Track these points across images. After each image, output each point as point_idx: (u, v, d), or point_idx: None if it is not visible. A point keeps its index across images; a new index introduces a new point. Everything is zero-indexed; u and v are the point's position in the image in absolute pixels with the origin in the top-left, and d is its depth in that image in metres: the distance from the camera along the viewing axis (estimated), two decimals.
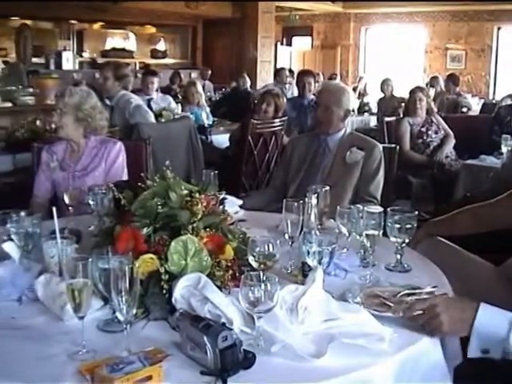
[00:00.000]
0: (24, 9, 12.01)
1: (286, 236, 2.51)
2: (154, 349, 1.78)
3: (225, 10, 15.00)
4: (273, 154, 6.57)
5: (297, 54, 20.19)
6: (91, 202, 2.78)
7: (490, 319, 1.94)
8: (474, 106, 11.32)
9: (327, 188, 2.91)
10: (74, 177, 3.79)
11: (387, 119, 7.57)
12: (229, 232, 2.37)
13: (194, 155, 6.50)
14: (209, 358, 1.70)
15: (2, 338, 1.92)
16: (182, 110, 8.25)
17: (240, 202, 3.41)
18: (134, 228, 2.19)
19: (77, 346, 1.83)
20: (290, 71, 13.66)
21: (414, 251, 2.76)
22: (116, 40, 16.22)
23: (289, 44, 20.78)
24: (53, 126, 4.38)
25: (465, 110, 10.55)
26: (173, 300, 2.02)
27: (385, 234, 2.54)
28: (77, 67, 14.21)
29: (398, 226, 2.52)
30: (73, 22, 14.85)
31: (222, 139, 7.57)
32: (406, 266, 2.57)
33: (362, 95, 12.64)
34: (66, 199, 3.11)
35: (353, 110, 4.28)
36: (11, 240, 2.44)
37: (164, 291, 2.05)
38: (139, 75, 10.10)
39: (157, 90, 8.71)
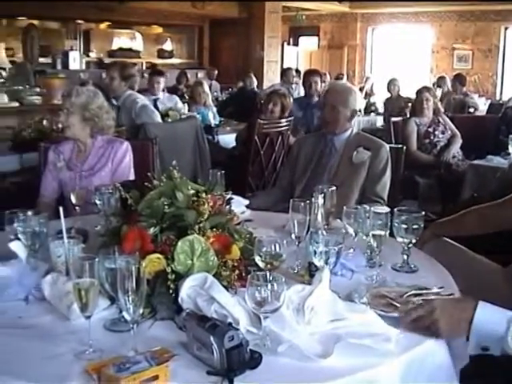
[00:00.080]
0: (31, 9, 12.04)
1: (293, 236, 2.51)
2: (161, 348, 1.78)
3: (231, 10, 15.01)
4: (279, 154, 6.56)
5: (303, 54, 20.18)
6: (98, 202, 2.78)
7: (488, 317, 1.93)
8: (481, 106, 11.31)
9: (334, 188, 2.91)
10: (80, 176, 3.80)
11: (394, 119, 7.56)
12: (235, 232, 2.37)
13: (200, 155, 6.50)
14: (215, 358, 1.70)
15: (9, 337, 1.92)
16: (189, 110, 8.25)
17: (246, 201, 3.41)
18: (141, 228, 2.19)
19: (83, 345, 1.83)
20: (297, 71, 13.66)
21: (420, 251, 2.75)
22: (123, 40, 16.23)
23: (295, 44, 20.77)
24: (59, 125, 4.38)
25: (472, 110, 10.54)
26: (179, 300, 2.02)
27: (391, 235, 2.54)
28: (83, 67, 14.22)
29: (404, 226, 2.51)
30: (79, 21, 14.87)
31: (228, 139, 7.57)
32: (412, 266, 2.56)
33: (368, 95, 12.63)
34: (73, 199, 3.11)
35: (359, 110, 4.28)
36: (18, 239, 2.45)
37: (170, 291, 2.05)
38: (146, 75, 10.11)
39: (163, 90, 8.71)
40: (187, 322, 1.86)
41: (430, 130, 6.96)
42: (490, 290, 2.48)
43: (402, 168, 4.49)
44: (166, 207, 2.21)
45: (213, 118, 8.41)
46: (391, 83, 11.40)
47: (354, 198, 3.85)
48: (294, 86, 12.32)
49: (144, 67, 15.33)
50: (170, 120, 7.20)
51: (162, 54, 16.78)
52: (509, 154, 6.24)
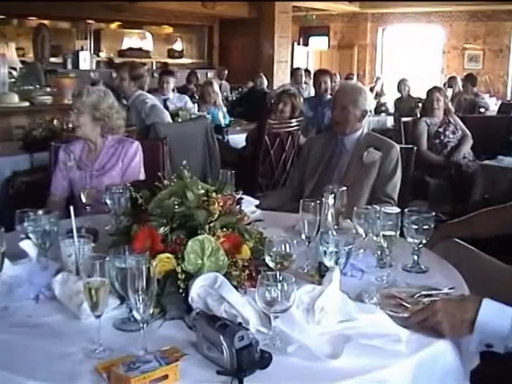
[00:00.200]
0: (41, 9, 12.07)
1: (303, 236, 2.51)
2: (171, 348, 1.78)
3: (241, 10, 15.00)
4: (289, 154, 6.56)
5: (313, 54, 20.14)
6: (108, 202, 2.79)
7: (493, 315, 1.92)
8: (492, 106, 11.28)
9: (344, 188, 2.90)
10: (91, 176, 3.81)
11: (404, 119, 7.55)
12: (245, 232, 2.36)
13: (210, 155, 6.51)
14: (225, 358, 1.69)
15: (20, 336, 1.93)
16: (199, 110, 8.25)
17: (257, 201, 3.41)
18: (151, 227, 2.19)
19: (93, 344, 1.83)
20: (307, 71, 13.65)
21: (431, 252, 2.74)
22: (133, 40, 16.23)
23: (305, 44, 20.76)
24: (70, 125, 4.40)
25: (482, 110, 10.51)
26: (189, 299, 2.02)
27: (402, 235, 2.54)
28: (94, 67, 14.25)
29: (415, 226, 2.51)
30: (90, 21, 14.88)
31: (238, 139, 7.57)
32: (423, 267, 2.55)
33: (378, 95, 12.61)
34: (83, 198, 3.12)
35: (370, 111, 4.27)
36: (29, 238, 2.45)
37: (180, 290, 2.06)
38: (156, 75, 10.12)
39: (173, 90, 8.72)
40: (197, 322, 1.86)
41: (441, 130, 6.94)
42: (501, 290, 2.46)
43: (413, 168, 4.48)
44: (177, 207, 2.22)
45: (223, 117, 8.42)
46: (401, 83, 11.38)
47: (365, 199, 3.84)
48: (304, 85, 12.32)
49: (154, 67, 15.35)
50: (179, 120, 7.20)
51: (172, 53, 16.78)
52: None
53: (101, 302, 1.85)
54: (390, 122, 10.22)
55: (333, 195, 2.76)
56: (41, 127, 5.85)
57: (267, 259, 2.20)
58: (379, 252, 2.53)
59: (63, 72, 11.50)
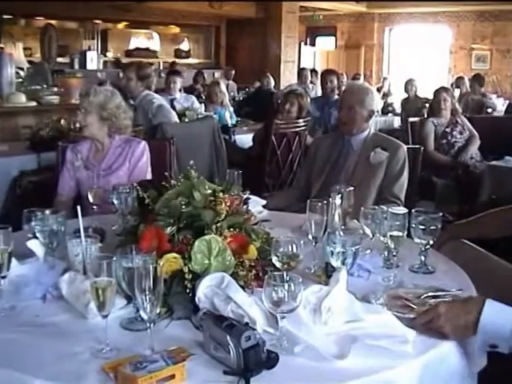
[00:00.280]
0: (49, 9, 12.09)
1: (310, 236, 2.51)
2: (178, 348, 1.79)
3: (248, 10, 15.01)
4: (296, 154, 6.56)
5: (320, 54, 20.13)
6: (115, 201, 2.79)
7: (496, 316, 1.92)
8: (499, 106, 11.24)
9: (351, 188, 2.90)
10: (98, 176, 3.81)
11: (411, 120, 7.54)
12: (252, 232, 2.36)
13: (217, 155, 6.51)
14: (232, 358, 1.69)
15: (27, 335, 1.93)
16: (206, 110, 8.25)
17: (263, 201, 3.41)
18: (158, 227, 2.20)
19: (100, 344, 1.84)
20: (314, 71, 13.64)
21: (438, 253, 2.74)
22: (140, 40, 16.25)
23: (312, 44, 20.75)
24: (77, 125, 4.41)
25: (490, 110, 10.48)
26: (196, 299, 2.02)
27: (409, 236, 2.53)
28: (101, 67, 14.26)
29: (422, 227, 2.50)
30: (97, 21, 14.90)
31: (245, 139, 7.57)
32: (430, 267, 2.55)
33: (385, 95, 12.59)
34: (91, 198, 3.13)
35: (377, 111, 4.26)
36: (36, 238, 2.46)
37: (187, 290, 2.06)
38: (163, 75, 10.12)
39: (180, 90, 8.72)
40: (204, 322, 1.86)
41: (448, 130, 6.93)
42: (509, 291, 2.46)
43: (420, 169, 4.48)
44: (184, 207, 2.22)
45: (229, 117, 8.42)
46: (409, 84, 11.37)
47: (372, 199, 3.84)
48: (310, 86, 12.31)
49: (161, 67, 15.36)
50: (186, 120, 7.21)
51: (179, 53, 16.79)
52: None
53: (108, 301, 1.85)
54: (396, 122, 10.20)
55: (340, 195, 2.76)
56: (48, 127, 5.87)
57: (274, 259, 2.20)
58: (386, 252, 2.53)
59: (70, 72, 11.53)
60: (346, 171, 4.02)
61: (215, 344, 1.76)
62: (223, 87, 8.89)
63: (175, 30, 17.05)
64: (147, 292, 1.77)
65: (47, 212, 2.50)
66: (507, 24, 17.27)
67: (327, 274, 2.33)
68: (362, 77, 15.38)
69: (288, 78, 14.32)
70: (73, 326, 2.02)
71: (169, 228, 2.20)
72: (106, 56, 15.12)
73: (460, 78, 12.20)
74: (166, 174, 2.44)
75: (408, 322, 2.00)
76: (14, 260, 2.22)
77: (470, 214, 3.15)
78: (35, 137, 5.79)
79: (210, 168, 6.33)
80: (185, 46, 17.17)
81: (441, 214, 2.55)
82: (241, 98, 11.83)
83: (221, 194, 2.28)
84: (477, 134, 6.96)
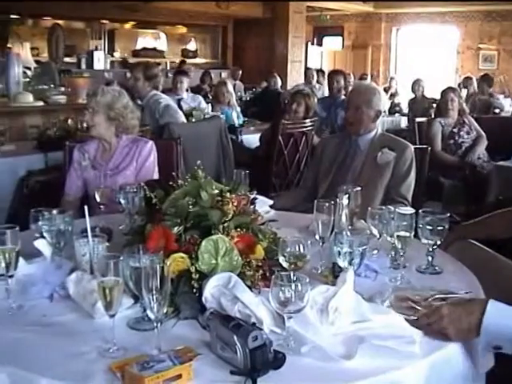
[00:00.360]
0: (56, 9, 12.13)
1: (317, 236, 2.51)
2: (184, 347, 1.79)
3: (255, 10, 15.01)
4: (303, 154, 6.56)
5: (327, 54, 20.13)
6: (122, 201, 2.80)
7: (499, 316, 1.91)
8: (507, 107, 11.20)
9: (358, 188, 2.90)
10: (105, 175, 3.82)
11: (418, 120, 7.53)
12: (259, 232, 2.36)
13: (224, 155, 6.50)
14: (239, 358, 1.69)
15: (34, 334, 1.94)
16: (213, 110, 8.25)
17: (270, 201, 3.41)
18: (165, 227, 2.20)
19: (107, 343, 1.84)
20: (321, 71, 13.64)
21: (445, 253, 2.73)
22: (147, 40, 16.28)
23: (319, 44, 20.74)
24: (85, 124, 4.41)
25: (497, 111, 10.44)
26: (203, 299, 2.02)
27: (416, 236, 2.53)
28: (108, 67, 14.29)
29: (429, 227, 2.50)
30: (104, 21, 14.93)
31: (252, 139, 7.56)
32: (437, 268, 2.54)
33: (393, 96, 12.58)
34: (98, 198, 3.13)
35: (384, 111, 4.25)
36: (43, 237, 2.46)
37: (194, 290, 2.06)
38: (170, 75, 10.13)
39: (187, 90, 8.72)
40: (211, 322, 1.86)
41: (455, 130, 6.91)
42: None
43: (427, 169, 4.47)
44: (191, 206, 2.22)
45: (236, 117, 8.41)
46: (416, 84, 11.34)
47: (379, 199, 3.83)
48: (317, 85, 12.31)
49: (168, 67, 15.37)
50: (193, 120, 7.21)
51: (186, 53, 16.81)
52: None
53: (115, 301, 1.85)
54: (404, 122, 10.19)
55: (347, 196, 2.75)
56: (55, 127, 5.88)
57: (281, 259, 2.20)
58: (393, 253, 2.53)
59: (77, 72, 11.57)
60: (353, 171, 4.01)
61: (222, 344, 1.76)
62: (230, 87, 8.89)
63: (182, 30, 17.07)
64: (154, 292, 1.77)
65: (54, 212, 2.51)
66: None
67: (334, 274, 2.33)
68: (369, 77, 15.36)
69: (295, 78, 14.33)
70: (80, 325, 2.02)
71: (176, 228, 2.20)
72: (113, 56, 15.15)
73: (468, 78, 12.17)
74: (173, 173, 2.44)
75: (412, 323, 1.99)
76: (21, 259, 2.22)
77: (477, 214, 3.14)
78: (42, 136, 5.79)
79: (216, 168, 6.33)
80: (192, 45, 17.19)
81: (448, 214, 2.55)
82: (248, 98, 11.83)
83: (228, 194, 2.28)
84: (484, 134, 6.94)
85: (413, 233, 2.48)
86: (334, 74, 8.53)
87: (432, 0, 16.58)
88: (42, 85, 7.74)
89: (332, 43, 20.99)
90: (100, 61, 13.94)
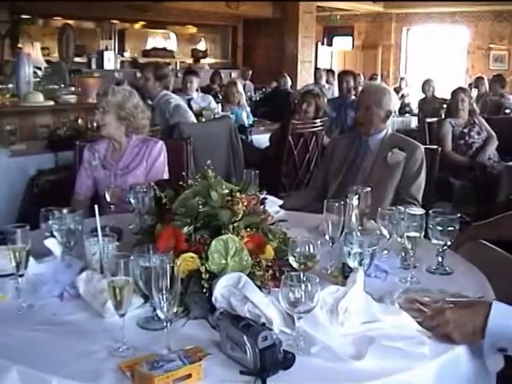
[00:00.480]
0: (66, 9, 12.18)
1: (327, 237, 2.50)
2: (194, 347, 1.79)
3: (265, 10, 15.01)
4: (313, 155, 6.56)
5: (337, 54, 20.12)
6: (132, 201, 2.80)
7: (503, 319, 1.90)
8: None
9: (368, 189, 2.89)
10: (115, 175, 3.82)
11: (429, 120, 7.51)
12: (269, 232, 2.36)
13: (234, 155, 6.50)
14: (248, 358, 1.69)
15: (44, 333, 1.94)
16: (223, 110, 8.26)
17: (280, 202, 3.41)
18: (175, 227, 2.20)
19: (117, 342, 1.84)
20: (331, 71, 13.63)
21: (455, 254, 2.73)
22: (157, 40, 16.30)
23: (329, 44, 20.74)
24: (95, 124, 4.42)
25: (508, 111, 10.40)
26: (213, 299, 2.02)
27: (426, 236, 2.52)
28: (118, 67, 14.33)
29: (439, 228, 2.49)
30: (114, 21, 14.97)
31: (262, 139, 7.56)
32: (447, 268, 2.54)
33: (403, 96, 12.55)
34: (108, 197, 3.13)
35: (394, 111, 4.25)
36: (53, 237, 2.47)
37: (204, 290, 2.06)
38: (180, 75, 10.14)
39: (197, 90, 8.73)
40: (220, 322, 1.86)
41: (466, 131, 6.89)
42: None
43: (437, 169, 4.45)
44: (201, 206, 2.22)
45: (246, 117, 8.42)
46: (426, 84, 11.30)
47: (389, 200, 3.82)
48: (327, 86, 12.30)
49: (178, 67, 15.38)
50: (203, 120, 7.22)
51: (195, 53, 16.83)
52: None
53: (125, 300, 1.85)
54: (414, 122, 10.17)
55: (357, 196, 2.74)
56: (65, 126, 5.89)
57: (291, 260, 2.20)
58: (403, 253, 2.53)
59: (87, 72, 11.59)
60: (363, 172, 4.01)
61: (232, 344, 1.76)
62: (240, 87, 8.89)
63: (192, 29, 17.09)
64: (164, 291, 1.78)
65: (64, 211, 2.51)
66: None
67: (344, 274, 2.32)
68: (379, 77, 15.34)
69: (305, 78, 14.32)
70: (90, 324, 2.03)
71: (186, 228, 2.20)
72: (123, 56, 15.18)
73: (480, 78, 12.13)
74: (183, 173, 2.44)
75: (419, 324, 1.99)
76: (31, 258, 2.22)
77: (487, 215, 3.13)
78: (53, 136, 5.80)
79: (226, 168, 6.33)
80: (202, 45, 17.20)
81: (458, 215, 2.54)
82: (258, 98, 11.84)
83: (238, 194, 2.28)
84: (494, 134, 6.92)
85: (423, 233, 2.47)
86: (343, 74, 8.53)
87: (442, 0, 16.53)
88: (52, 84, 7.75)
89: (342, 43, 20.98)
90: (110, 61, 13.98)
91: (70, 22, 13.02)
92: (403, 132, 6.02)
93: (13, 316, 2.08)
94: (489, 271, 2.49)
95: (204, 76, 11.76)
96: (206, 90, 10.86)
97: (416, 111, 10.78)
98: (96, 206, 2.35)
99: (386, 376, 1.73)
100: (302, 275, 1.87)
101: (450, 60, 18.75)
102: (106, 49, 14.48)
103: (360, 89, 7.43)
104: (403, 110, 10.55)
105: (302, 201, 4.06)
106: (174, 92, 7.04)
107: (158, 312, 1.82)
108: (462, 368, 1.90)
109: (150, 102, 6.15)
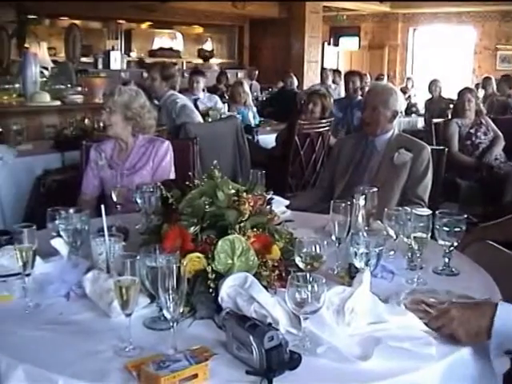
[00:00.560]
0: (73, 9, 12.20)
1: (333, 237, 2.50)
2: (200, 347, 1.79)
3: (272, 10, 15.01)
4: (319, 155, 6.55)
5: (344, 54, 20.11)
6: (139, 201, 2.80)
7: (509, 319, 1.89)
8: None
9: (375, 189, 2.88)
10: (121, 175, 3.83)
11: (435, 120, 7.49)
12: (276, 232, 2.36)
13: (240, 155, 6.50)
14: (255, 358, 1.69)
15: (51, 333, 1.95)
16: (229, 110, 8.26)
17: (287, 202, 3.41)
18: (182, 227, 2.20)
19: (123, 342, 1.84)
20: (337, 71, 13.63)
21: (462, 255, 2.72)
22: (163, 40, 16.31)
23: (336, 44, 20.73)
24: (101, 124, 4.42)
25: None
26: (219, 299, 2.02)
27: (433, 237, 2.51)
28: (124, 67, 14.34)
29: (446, 229, 2.48)
30: (121, 21, 14.99)
31: (268, 139, 7.56)
32: (454, 269, 2.53)
33: (409, 96, 12.53)
34: (114, 197, 3.13)
35: (400, 112, 4.24)
36: (60, 236, 2.47)
37: (210, 290, 2.06)
38: (186, 75, 10.14)
39: (203, 90, 8.74)
40: (227, 322, 1.86)
41: (472, 131, 6.88)
42: None
43: (444, 170, 4.44)
44: (207, 206, 2.22)
45: (253, 117, 8.43)
46: (433, 84, 11.29)
47: (395, 200, 3.81)
48: (333, 86, 12.29)
49: (184, 67, 15.39)
50: (210, 120, 7.22)
51: (202, 53, 16.83)
52: None
53: (131, 300, 1.85)
54: (420, 123, 10.16)
55: (363, 196, 2.74)
56: (72, 126, 5.90)
57: (297, 260, 2.20)
58: (410, 254, 2.52)
59: (94, 72, 11.62)
60: (369, 172, 4.00)
61: (238, 344, 1.76)
62: (246, 87, 8.89)
63: (198, 30, 17.09)
64: (170, 291, 1.78)
65: (71, 211, 2.51)
66: None
67: (350, 275, 2.32)
68: (385, 77, 15.32)
69: (311, 78, 14.31)
70: (96, 324, 2.03)
71: (192, 228, 2.20)
72: (129, 56, 15.20)
73: (487, 79, 12.09)
74: (190, 173, 2.44)
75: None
76: (38, 258, 2.23)
77: (494, 215, 3.13)
78: (59, 136, 5.81)
79: (233, 168, 6.33)
80: (208, 45, 17.21)
81: (465, 215, 2.53)
82: (264, 98, 11.83)
83: (244, 194, 2.28)
84: (501, 134, 6.90)
85: (429, 234, 2.47)
86: (350, 74, 8.54)
87: (449, 0, 16.50)
88: (58, 84, 7.76)
89: (348, 43, 20.97)
90: (117, 61, 13.99)
91: (77, 21, 13.03)
92: (410, 132, 6.00)
93: (19, 315, 2.08)
94: (496, 272, 2.48)
95: (210, 76, 11.77)
96: (212, 90, 10.86)
97: (422, 111, 10.76)
98: (102, 206, 2.35)
99: (392, 377, 1.73)
100: (308, 275, 1.87)
101: (457, 60, 18.73)
102: (113, 49, 14.50)
103: (366, 89, 7.44)
104: (410, 110, 10.53)
105: (308, 201, 4.06)
106: (180, 92, 7.04)
107: (165, 312, 1.82)
108: (468, 369, 1.89)
109: (156, 101, 6.15)
